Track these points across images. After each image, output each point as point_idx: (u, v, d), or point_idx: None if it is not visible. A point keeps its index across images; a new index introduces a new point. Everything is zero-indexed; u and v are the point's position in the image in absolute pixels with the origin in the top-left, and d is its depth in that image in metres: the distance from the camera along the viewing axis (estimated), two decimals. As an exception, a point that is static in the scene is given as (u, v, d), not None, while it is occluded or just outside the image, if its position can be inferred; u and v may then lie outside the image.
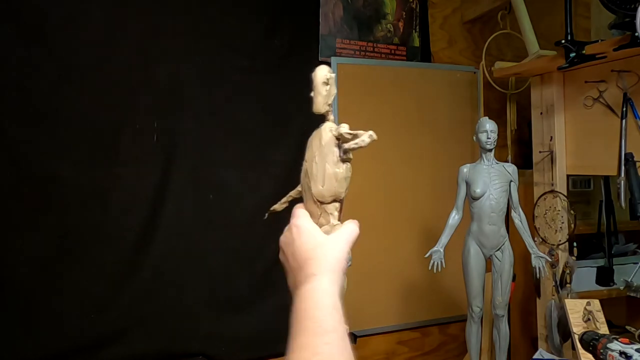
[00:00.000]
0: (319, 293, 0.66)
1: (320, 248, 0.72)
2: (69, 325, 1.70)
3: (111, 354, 1.75)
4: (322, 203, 0.82)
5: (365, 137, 0.79)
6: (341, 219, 0.95)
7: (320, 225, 0.95)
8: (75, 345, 1.71)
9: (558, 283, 1.91)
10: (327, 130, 0.85)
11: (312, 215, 0.82)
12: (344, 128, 0.81)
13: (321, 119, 0.92)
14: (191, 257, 1.87)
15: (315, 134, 0.89)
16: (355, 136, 0.80)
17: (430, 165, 2.27)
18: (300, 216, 0.80)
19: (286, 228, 0.80)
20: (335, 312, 0.64)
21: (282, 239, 0.79)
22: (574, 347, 1.71)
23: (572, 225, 1.91)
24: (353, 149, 0.81)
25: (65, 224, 1.70)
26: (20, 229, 1.66)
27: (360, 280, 2.07)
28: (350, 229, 0.77)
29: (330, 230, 0.91)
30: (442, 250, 1.74)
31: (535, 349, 2.01)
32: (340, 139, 0.83)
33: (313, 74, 0.89)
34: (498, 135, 1.75)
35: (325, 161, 0.83)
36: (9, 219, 1.65)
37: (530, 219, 1.93)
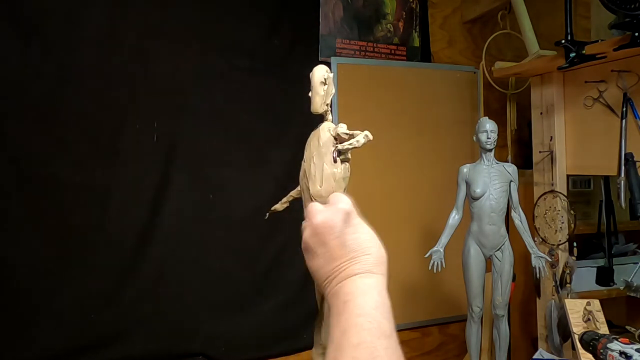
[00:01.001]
0: (379, 292, 0.61)
1: (374, 245, 0.68)
2: (69, 325, 1.70)
3: (111, 354, 1.75)
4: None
5: (360, 137, 0.79)
6: None
7: None
8: (75, 345, 1.70)
9: (558, 283, 1.91)
10: (326, 130, 0.84)
11: None
12: (342, 128, 0.81)
13: (320, 119, 0.92)
14: (191, 257, 1.87)
15: (313, 133, 0.89)
16: (351, 136, 0.80)
17: (430, 165, 2.27)
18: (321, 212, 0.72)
19: (306, 223, 0.74)
20: (391, 316, 0.60)
21: (309, 233, 0.72)
22: (574, 347, 1.71)
23: (572, 225, 1.91)
24: (347, 149, 0.81)
25: (65, 224, 1.70)
26: (20, 229, 1.66)
27: (360, 280, 2.06)
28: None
29: None
30: (442, 250, 1.74)
31: (535, 349, 2.01)
32: (337, 139, 0.82)
33: (311, 74, 0.89)
34: (498, 135, 1.75)
35: (323, 161, 0.82)
36: (9, 219, 1.65)
37: (530, 219, 1.93)
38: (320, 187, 0.81)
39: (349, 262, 0.65)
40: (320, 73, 0.89)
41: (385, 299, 0.61)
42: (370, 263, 0.65)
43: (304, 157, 0.88)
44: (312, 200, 0.82)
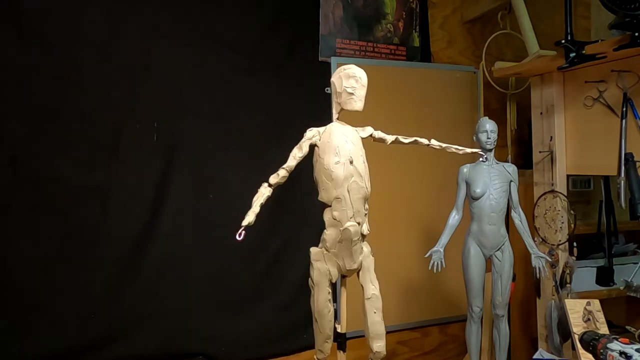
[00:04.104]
0: None
1: None
2: (69, 325, 1.70)
3: (111, 354, 1.75)
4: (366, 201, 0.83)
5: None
6: None
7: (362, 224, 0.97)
8: (75, 345, 1.71)
9: (558, 283, 1.91)
10: (360, 132, 0.86)
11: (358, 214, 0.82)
12: (378, 133, 0.84)
13: (329, 118, 0.92)
14: (191, 256, 1.87)
15: (344, 133, 0.88)
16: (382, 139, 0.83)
17: (430, 165, 2.27)
18: None
19: None
20: None
21: None
22: (574, 347, 1.71)
23: (572, 225, 1.91)
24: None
25: (65, 224, 1.70)
26: (20, 229, 1.66)
27: (360, 280, 2.07)
28: None
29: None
30: (442, 250, 1.74)
31: (535, 349, 2.01)
32: (374, 140, 0.85)
33: (359, 74, 0.89)
34: (498, 135, 1.75)
35: (364, 161, 0.83)
36: (9, 219, 1.65)
37: (530, 219, 1.93)
38: (369, 185, 0.83)
39: None
40: (365, 74, 0.91)
41: None
42: None
43: (345, 157, 0.87)
44: (365, 198, 0.82)
